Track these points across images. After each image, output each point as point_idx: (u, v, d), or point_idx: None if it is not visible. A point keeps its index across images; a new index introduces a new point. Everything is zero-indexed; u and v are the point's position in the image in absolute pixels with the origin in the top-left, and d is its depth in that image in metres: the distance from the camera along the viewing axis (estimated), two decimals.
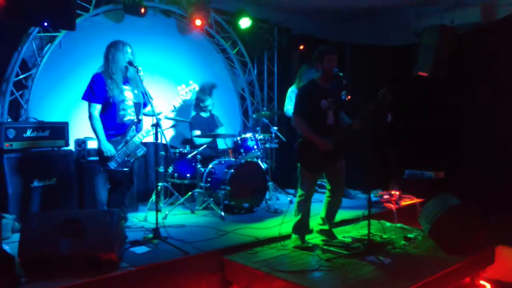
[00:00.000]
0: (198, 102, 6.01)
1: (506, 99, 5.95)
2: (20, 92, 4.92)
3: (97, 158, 4.03)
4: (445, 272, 3.35)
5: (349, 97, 4.42)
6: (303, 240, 3.93)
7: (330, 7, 7.08)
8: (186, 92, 4.23)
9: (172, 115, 5.25)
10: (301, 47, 7.19)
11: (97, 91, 3.89)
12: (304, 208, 3.91)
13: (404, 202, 5.55)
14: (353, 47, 7.38)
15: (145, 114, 4.26)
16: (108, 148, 3.89)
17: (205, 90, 6.10)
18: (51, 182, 4.47)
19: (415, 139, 6.86)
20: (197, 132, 5.83)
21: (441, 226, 3.79)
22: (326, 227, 4.08)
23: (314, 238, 4.11)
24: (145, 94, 4.05)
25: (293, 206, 4.10)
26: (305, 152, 3.82)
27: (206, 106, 5.98)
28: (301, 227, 3.95)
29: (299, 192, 3.94)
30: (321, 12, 7.35)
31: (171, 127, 6.03)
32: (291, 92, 5.79)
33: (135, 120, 4.07)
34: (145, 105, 4.23)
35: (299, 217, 3.92)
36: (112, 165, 3.93)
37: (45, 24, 4.42)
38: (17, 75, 4.84)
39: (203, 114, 6.01)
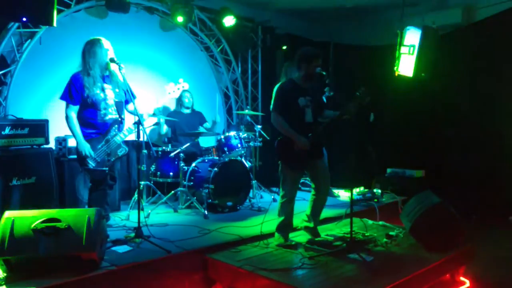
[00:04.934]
0: (180, 100, 5.98)
1: (488, 99, 6.07)
2: None
3: (76, 157, 3.97)
4: (426, 269, 3.39)
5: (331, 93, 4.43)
6: (286, 239, 3.94)
7: (314, 6, 7.11)
8: (174, 91, 4.19)
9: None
10: (284, 47, 7.22)
11: (74, 92, 3.83)
12: (287, 210, 3.92)
13: (386, 200, 5.61)
14: (337, 46, 7.43)
15: (130, 112, 4.20)
16: (85, 148, 3.83)
17: (183, 96, 6.05)
18: (30, 180, 4.39)
19: (397, 138, 6.95)
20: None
21: (422, 224, 3.83)
22: (311, 224, 4.09)
23: (297, 236, 4.12)
24: (126, 92, 4.00)
25: (275, 204, 4.10)
26: (285, 149, 3.82)
27: (187, 106, 5.97)
28: (285, 227, 3.96)
29: (281, 192, 3.94)
30: (305, 11, 7.39)
31: (154, 125, 5.98)
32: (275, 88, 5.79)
33: (118, 119, 4.02)
34: (127, 102, 4.18)
35: (282, 218, 3.92)
36: (91, 164, 3.87)
37: (23, 19, 4.32)
38: None
39: (184, 111, 5.97)
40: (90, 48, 3.89)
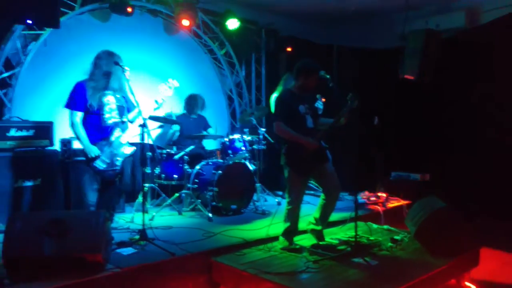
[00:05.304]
0: (188, 105, 5.98)
1: (491, 103, 6.06)
2: (3, 91, 4.84)
3: (85, 160, 3.97)
4: (431, 274, 3.37)
5: (323, 99, 4.48)
6: (291, 243, 3.94)
7: (317, 9, 7.11)
8: (165, 90, 4.23)
9: (157, 113, 5.19)
10: (289, 49, 7.22)
11: (78, 99, 3.85)
12: (293, 216, 3.92)
13: (391, 204, 5.59)
14: (340, 49, 7.43)
15: (130, 121, 4.21)
16: (93, 150, 3.85)
17: (198, 101, 6.04)
18: (36, 182, 4.40)
19: (401, 142, 6.93)
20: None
21: (426, 228, 3.82)
22: (318, 227, 4.08)
23: (302, 240, 4.11)
24: (127, 100, 4.06)
25: (281, 207, 4.11)
26: (293, 156, 3.84)
27: (196, 112, 5.98)
28: (290, 233, 3.97)
29: (288, 198, 3.93)
30: (308, 14, 7.38)
31: (158, 127, 5.99)
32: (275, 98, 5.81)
33: (120, 121, 4.05)
34: (129, 110, 4.20)
35: (288, 224, 3.93)
36: (101, 165, 3.89)
37: (28, 21, 4.34)
38: (1, 73, 4.76)
39: (192, 116, 5.98)
40: (99, 60, 3.91)
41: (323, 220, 4.07)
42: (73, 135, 4.40)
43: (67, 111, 3.91)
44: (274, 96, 5.84)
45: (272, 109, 5.71)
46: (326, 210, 4.02)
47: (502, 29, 6.04)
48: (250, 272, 3.32)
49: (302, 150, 3.76)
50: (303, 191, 3.98)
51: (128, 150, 4.07)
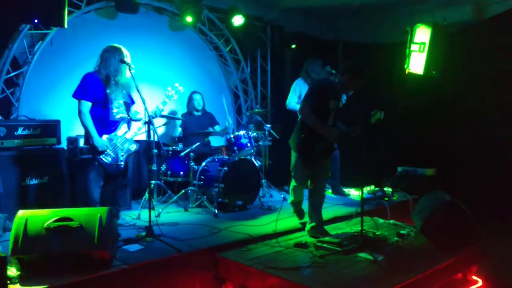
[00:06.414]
0: (188, 103, 6.02)
1: (499, 97, 6.00)
2: (11, 90, 4.88)
3: (90, 155, 4.01)
4: (437, 268, 3.37)
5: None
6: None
7: (322, 5, 7.08)
8: (172, 94, 4.31)
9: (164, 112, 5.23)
10: (293, 46, 7.21)
11: (89, 89, 3.89)
12: (298, 192, 4.30)
13: (397, 199, 5.57)
14: (346, 44, 7.40)
15: (132, 119, 4.25)
16: (101, 143, 3.90)
17: (195, 99, 6.07)
18: (43, 180, 4.45)
19: (408, 137, 6.90)
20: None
21: (433, 223, 3.81)
22: (313, 223, 4.14)
23: (307, 236, 4.11)
24: (132, 98, 4.10)
25: (287, 203, 4.18)
26: (307, 147, 3.95)
27: (197, 109, 6.00)
28: (298, 204, 4.41)
29: (293, 182, 4.20)
30: (313, 9, 7.36)
31: (163, 125, 6.02)
32: (296, 85, 5.81)
33: (127, 117, 4.10)
34: (131, 104, 4.25)
35: (293, 198, 4.35)
36: (107, 159, 3.94)
37: (35, 21, 4.37)
38: (8, 72, 4.80)
39: (195, 113, 6.00)
40: (108, 54, 3.96)
41: (317, 213, 4.17)
42: (80, 133, 4.46)
43: (74, 110, 3.94)
44: (295, 82, 5.88)
45: (290, 96, 5.78)
46: (315, 203, 4.17)
47: (510, 23, 5.96)
48: (256, 267, 3.33)
49: (316, 145, 3.90)
50: (308, 174, 4.15)
51: (132, 147, 4.14)
